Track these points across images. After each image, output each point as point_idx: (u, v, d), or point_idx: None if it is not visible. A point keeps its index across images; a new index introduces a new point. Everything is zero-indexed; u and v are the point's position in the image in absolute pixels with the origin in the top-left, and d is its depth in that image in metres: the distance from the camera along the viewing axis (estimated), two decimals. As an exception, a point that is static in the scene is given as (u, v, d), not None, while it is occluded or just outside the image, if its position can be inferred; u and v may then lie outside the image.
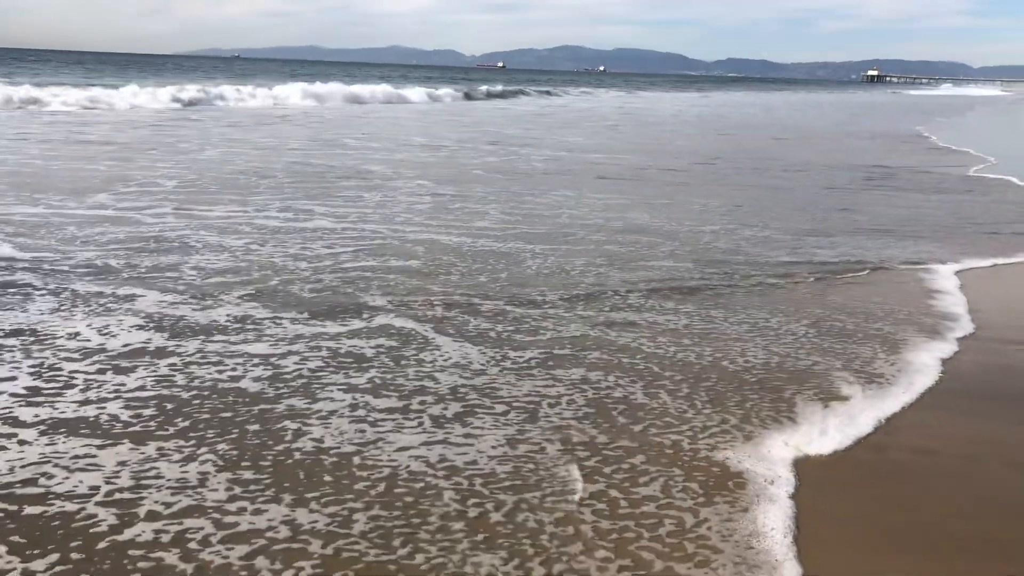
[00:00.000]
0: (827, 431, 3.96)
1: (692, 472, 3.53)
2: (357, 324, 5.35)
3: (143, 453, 3.58)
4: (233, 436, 3.76)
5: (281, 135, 19.19)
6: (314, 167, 13.36)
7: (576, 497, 3.31)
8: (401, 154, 15.84)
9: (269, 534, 3.01)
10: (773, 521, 3.18)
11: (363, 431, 3.84)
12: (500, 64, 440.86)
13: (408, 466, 3.53)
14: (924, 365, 4.87)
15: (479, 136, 20.88)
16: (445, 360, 4.76)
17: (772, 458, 3.67)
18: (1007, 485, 3.59)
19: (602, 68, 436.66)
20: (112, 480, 3.35)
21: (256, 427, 3.85)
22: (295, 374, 4.50)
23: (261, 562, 2.85)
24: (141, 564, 2.82)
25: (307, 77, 53.19)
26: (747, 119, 34.92)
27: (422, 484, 3.39)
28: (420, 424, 3.93)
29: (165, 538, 2.96)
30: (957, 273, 7.10)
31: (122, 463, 3.48)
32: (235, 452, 3.61)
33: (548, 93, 56.32)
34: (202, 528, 3.03)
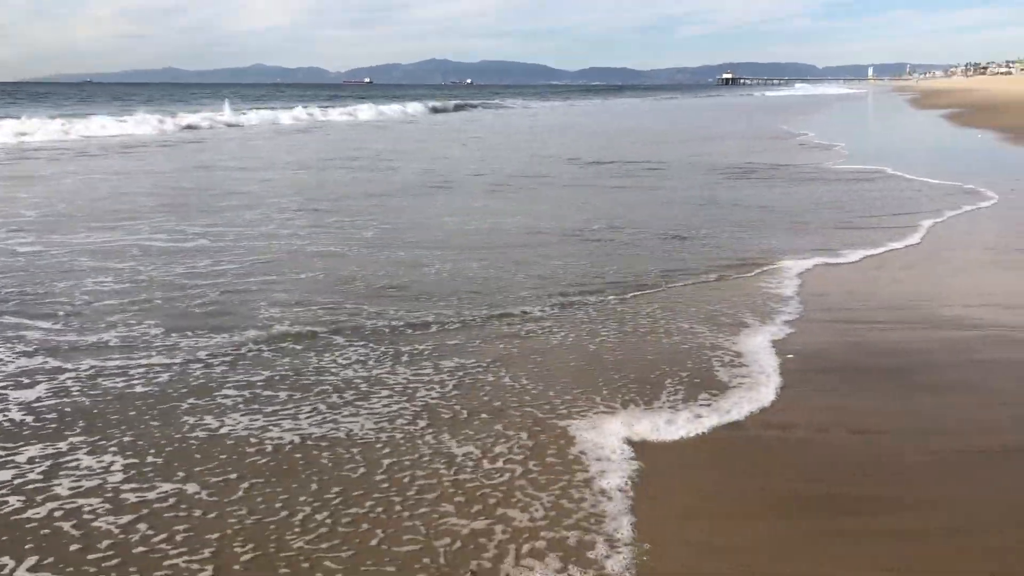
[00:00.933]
0: (673, 410, 4.34)
1: (539, 437, 4.03)
2: (254, 333, 5.68)
3: (50, 450, 3.92)
4: (134, 432, 4.12)
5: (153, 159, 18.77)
6: (184, 189, 13.43)
7: (440, 458, 3.81)
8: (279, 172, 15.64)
9: (156, 504, 3.42)
10: (612, 479, 3.61)
11: (256, 419, 4.25)
12: (367, 80, 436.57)
13: (293, 441, 3.99)
14: (762, 346, 5.34)
15: (345, 153, 21.15)
16: (345, 359, 5.15)
17: (615, 432, 4.08)
18: (848, 449, 3.95)
19: (469, 81, 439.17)
20: (22, 475, 3.70)
21: (157, 423, 4.22)
22: (196, 378, 4.85)
23: (141, 526, 3.27)
24: (40, 533, 3.23)
25: (161, 101, 51.58)
26: (615, 124, 36.29)
27: (302, 455, 3.85)
28: (314, 410, 4.37)
29: (59, 513, 3.36)
30: (818, 265, 7.63)
31: (31, 459, 3.83)
32: (139, 443, 3.98)
33: (501, 106, 59.11)
34: (91, 505, 3.42)
